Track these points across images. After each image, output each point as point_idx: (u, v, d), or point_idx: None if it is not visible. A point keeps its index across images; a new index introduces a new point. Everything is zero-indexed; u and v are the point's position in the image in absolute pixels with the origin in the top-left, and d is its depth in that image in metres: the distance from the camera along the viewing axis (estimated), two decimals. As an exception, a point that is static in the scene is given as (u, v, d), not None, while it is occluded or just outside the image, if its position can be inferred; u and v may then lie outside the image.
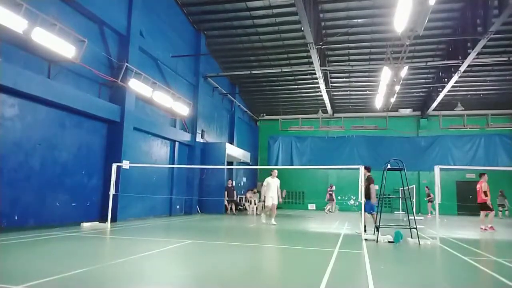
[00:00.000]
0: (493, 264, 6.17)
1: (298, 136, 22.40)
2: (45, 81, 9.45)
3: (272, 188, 12.92)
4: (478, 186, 12.82)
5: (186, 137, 17.42)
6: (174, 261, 6.07)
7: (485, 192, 12.47)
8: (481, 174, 12.98)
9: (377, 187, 10.44)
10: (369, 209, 9.96)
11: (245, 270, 5.44)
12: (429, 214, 21.72)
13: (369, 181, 9.98)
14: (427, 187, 22.51)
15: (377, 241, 8.47)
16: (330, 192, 22.72)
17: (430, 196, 22.14)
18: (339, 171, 25.79)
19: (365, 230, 9.19)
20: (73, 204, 10.64)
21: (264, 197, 13.28)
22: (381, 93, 19.56)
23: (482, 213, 12.68)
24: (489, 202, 12.49)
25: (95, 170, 11.61)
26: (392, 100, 20.86)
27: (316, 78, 19.61)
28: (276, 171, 13.34)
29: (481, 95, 23.15)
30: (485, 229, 12.17)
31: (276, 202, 12.95)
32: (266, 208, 13.24)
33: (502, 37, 16.60)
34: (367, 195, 9.75)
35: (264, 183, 13.18)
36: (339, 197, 25.62)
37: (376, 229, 8.94)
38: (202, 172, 18.56)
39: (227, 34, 18.86)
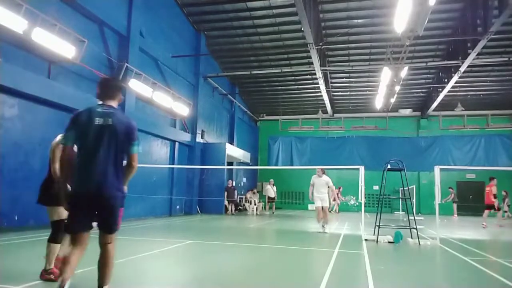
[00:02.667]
0: (493, 264, 6.17)
1: (298, 136, 22.42)
2: (45, 81, 9.46)
3: (318, 188, 10.92)
4: (488, 188, 14.32)
5: (186, 137, 17.42)
6: (174, 261, 6.07)
7: (494, 195, 14.04)
8: (491, 177, 14.37)
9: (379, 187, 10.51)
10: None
11: (245, 270, 5.44)
12: (455, 215, 21.32)
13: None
14: (451, 187, 22.16)
15: (377, 241, 8.47)
16: (337, 193, 23.15)
17: (452, 196, 21.75)
18: (339, 171, 25.74)
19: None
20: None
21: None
22: (381, 94, 19.57)
23: (487, 211, 14.20)
24: (496, 204, 14.24)
25: (95, 170, 11.58)
26: (392, 100, 20.86)
27: (316, 79, 19.60)
28: (320, 169, 11.33)
29: (481, 96, 23.14)
30: (486, 226, 13.51)
31: (325, 204, 10.87)
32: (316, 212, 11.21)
33: (502, 37, 16.59)
34: None
35: (311, 182, 11.19)
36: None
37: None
38: (202, 173, 18.55)
39: (227, 34, 18.86)
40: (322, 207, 10.80)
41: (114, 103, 3.29)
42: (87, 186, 3.08)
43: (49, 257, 4.15)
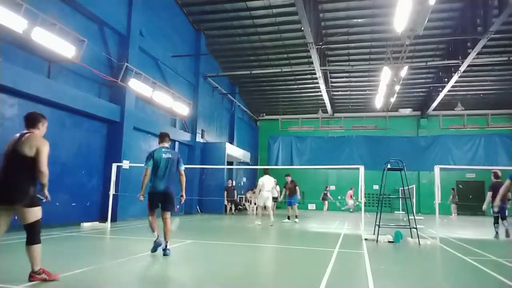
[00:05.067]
0: (493, 264, 6.17)
1: (298, 136, 22.44)
2: (45, 81, 9.45)
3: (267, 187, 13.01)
4: None
5: (186, 137, 17.41)
6: (174, 261, 6.07)
7: None
8: None
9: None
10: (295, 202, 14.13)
11: (245, 270, 5.44)
12: (454, 215, 21.67)
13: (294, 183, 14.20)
14: (453, 188, 22.42)
15: (377, 241, 8.48)
16: (325, 192, 24.16)
17: (454, 197, 21.98)
18: (339, 171, 25.79)
19: (288, 218, 13.76)
20: (73, 204, 10.63)
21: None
22: (381, 93, 19.56)
23: None
24: None
25: (95, 170, 11.61)
26: (392, 100, 20.84)
27: (316, 78, 19.60)
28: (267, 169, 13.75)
29: (481, 95, 23.14)
30: None
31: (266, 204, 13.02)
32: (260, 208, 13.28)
33: (502, 37, 16.58)
34: (293, 193, 14.04)
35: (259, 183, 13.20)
36: (339, 197, 25.66)
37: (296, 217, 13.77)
38: (202, 172, 18.55)
39: (227, 34, 18.85)
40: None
41: (167, 144, 6.42)
42: (158, 189, 6.03)
43: (36, 259, 4.08)
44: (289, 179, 14.20)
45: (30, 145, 4.05)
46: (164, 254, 5.88)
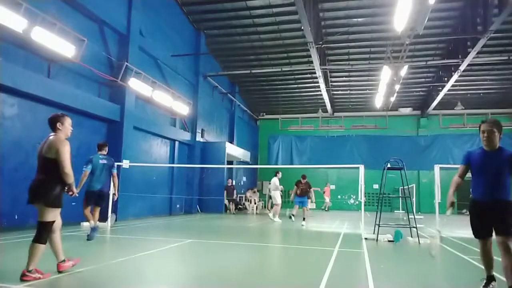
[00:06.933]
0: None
1: (298, 135, 22.47)
2: (45, 81, 9.45)
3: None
4: None
5: (186, 136, 17.41)
6: (174, 261, 6.08)
7: None
8: None
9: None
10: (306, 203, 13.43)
11: (244, 269, 5.44)
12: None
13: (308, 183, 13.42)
14: None
15: (377, 240, 8.48)
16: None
17: None
18: (339, 170, 25.81)
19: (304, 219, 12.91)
20: (73, 204, 10.58)
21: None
22: (381, 92, 19.57)
23: None
24: None
25: (95, 169, 11.59)
26: (392, 99, 20.85)
27: (316, 78, 19.58)
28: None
29: (481, 94, 23.14)
30: None
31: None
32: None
33: (502, 36, 16.58)
34: (306, 194, 13.19)
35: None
36: (339, 196, 25.69)
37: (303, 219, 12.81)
38: (202, 172, 18.55)
39: (227, 33, 18.84)
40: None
41: (105, 152, 7.76)
42: (95, 188, 7.47)
43: (35, 258, 4.10)
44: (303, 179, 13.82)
45: (50, 147, 4.24)
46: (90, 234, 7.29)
